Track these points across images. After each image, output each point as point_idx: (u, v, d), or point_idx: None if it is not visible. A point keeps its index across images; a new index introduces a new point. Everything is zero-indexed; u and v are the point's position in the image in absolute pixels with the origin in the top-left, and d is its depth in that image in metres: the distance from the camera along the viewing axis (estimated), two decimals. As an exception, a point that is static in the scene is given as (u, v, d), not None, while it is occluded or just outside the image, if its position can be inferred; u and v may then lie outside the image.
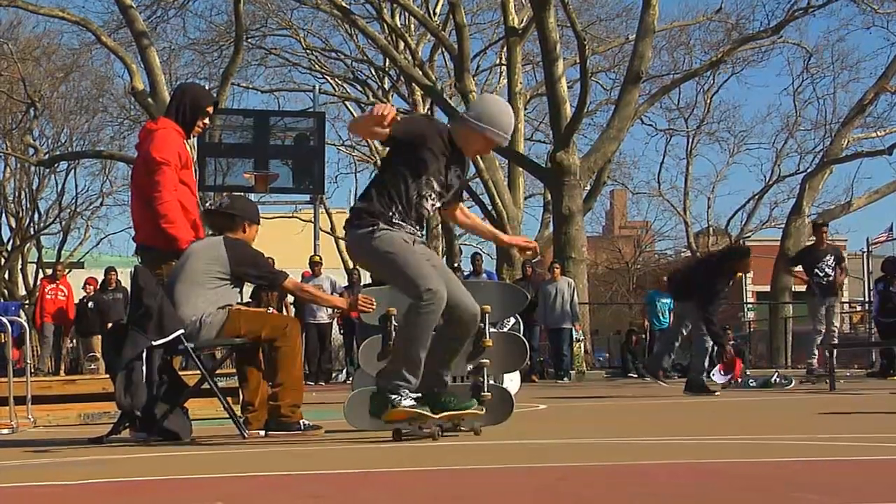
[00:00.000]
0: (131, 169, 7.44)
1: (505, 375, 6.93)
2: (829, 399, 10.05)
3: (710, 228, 43.51)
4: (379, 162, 38.04)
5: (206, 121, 6.86)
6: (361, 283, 17.52)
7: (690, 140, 40.35)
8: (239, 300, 6.48)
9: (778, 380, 13.34)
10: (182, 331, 6.10)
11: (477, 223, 6.76)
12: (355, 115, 37.93)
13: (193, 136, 7.03)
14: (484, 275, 17.97)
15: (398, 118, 5.58)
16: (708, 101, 38.43)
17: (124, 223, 48.55)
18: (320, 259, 18.13)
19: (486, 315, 6.37)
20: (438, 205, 5.89)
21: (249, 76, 33.85)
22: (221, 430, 6.60)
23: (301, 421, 6.32)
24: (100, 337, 16.81)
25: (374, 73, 34.28)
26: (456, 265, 21.89)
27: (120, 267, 19.91)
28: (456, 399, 5.87)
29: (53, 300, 18.55)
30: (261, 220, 6.72)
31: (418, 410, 5.65)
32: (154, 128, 6.73)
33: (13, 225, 39.57)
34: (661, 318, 19.40)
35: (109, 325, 17.31)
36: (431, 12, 30.42)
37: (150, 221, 6.53)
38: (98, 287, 18.56)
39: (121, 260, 34.06)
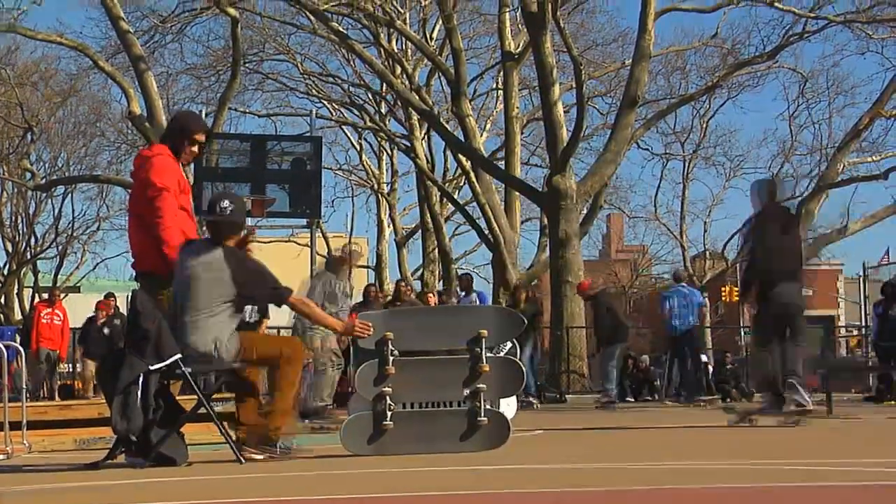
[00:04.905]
0: (129, 196, 7.39)
1: (501, 400, 6.93)
2: (826, 423, 10.03)
3: (707, 252, 43.55)
4: (376, 186, 38.13)
5: (195, 149, 6.73)
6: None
7: (687, 164, 40.44)
8: (246, 318, 6.49)
9: None
10: (179, 355, 6.08)
11: None
12: (352, 139, 38.08)
13: (183, 164, 6.87)
14: (474, 296, 17.90)
15: None
16: (704, 126, 38.52)
17: (121, 248, 48.57)
18: None
19: (483, 340, 6.38)
20: None
21: (246, 101, 33.91)
22: (218, 456, 6.57)
23: (279, 444, 6.33)
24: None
25: (370, 97, 34.35)
26: (444, 288, 21.84)
27: (116, 291, 19.86)
28: None
29: (49, 325, 18.45)
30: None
31: None
32: (150, 154, 6.70)
33: (9, 249, 39.54)
34: None
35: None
36: (428, 37, 30.51)
37: (152, 248, 6.48)
38: (112, 312, 18.47)
39: (117, 284, 34.00)
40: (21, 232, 39.66)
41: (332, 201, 41.26)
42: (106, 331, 18.14)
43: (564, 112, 24.62)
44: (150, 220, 6.46)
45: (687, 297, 16.68)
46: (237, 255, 6.36)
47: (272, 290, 6.44)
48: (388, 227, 38.25)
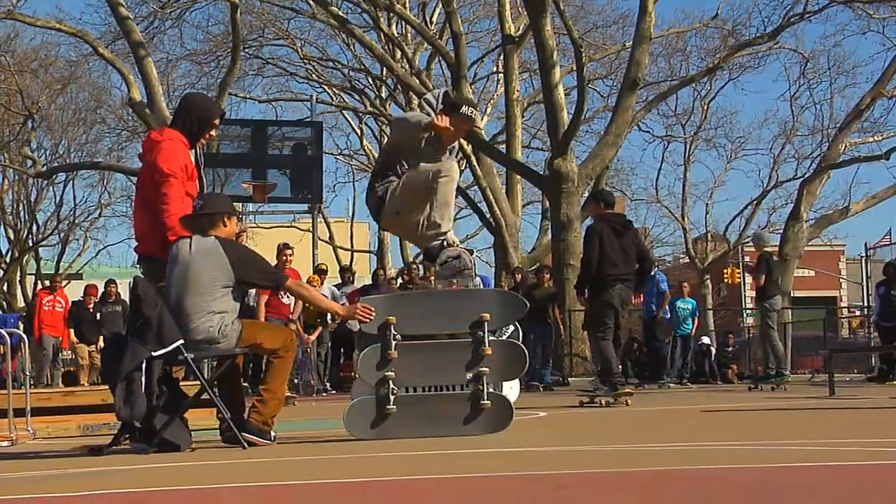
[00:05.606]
0: (137, 179, 7.36)
1: (504, 383, 6.93)
2: (829, 404, 10.05)
3: (709, 234, 43.53)
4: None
5: (213, 132, 6.87)
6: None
7: (688, 146, 40.40)
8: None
9: None
10: (181, 341, 6.08)
11: None
12: (353, 123, 38.06)
13: (197, 148, 6.96)
14: (478, 279, 17.88)
15: None
16: (705, 108, 38.48)
17: (123, 234, 48.62)
18: (327, 268, 18.08)
19: (486, 323, 6.38)
20: None
21: (247, 86, 33.92)
22: (221, 441, 6.58)
23: (272, 432, 6.37)
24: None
25: (371, 82, 34.32)
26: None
27: (119, 278, 19.86)
28: None
29: (51, 312, 18.46)
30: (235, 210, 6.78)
31: None
32: (160, 138, 6.62)
33: (11, 237, 39.57)
34: (682, 323, 19.28)
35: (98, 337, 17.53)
36: (428, 21, 30.45)
37: (156, 233, 6.45)
38: (99, 299, 18.49)
39: (119, 271, 34.05)
40: (23, 219, 39.70)
41: (334, 186, 41.35)
42: (98, 316, 18.17)
43: (565, 95, 24.59)
44: (156, 206, 6.43)
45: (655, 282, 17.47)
46: (232, 242, 6.40)
47: (270, 274, 6.48)
48: (390, 211, 38.18)
